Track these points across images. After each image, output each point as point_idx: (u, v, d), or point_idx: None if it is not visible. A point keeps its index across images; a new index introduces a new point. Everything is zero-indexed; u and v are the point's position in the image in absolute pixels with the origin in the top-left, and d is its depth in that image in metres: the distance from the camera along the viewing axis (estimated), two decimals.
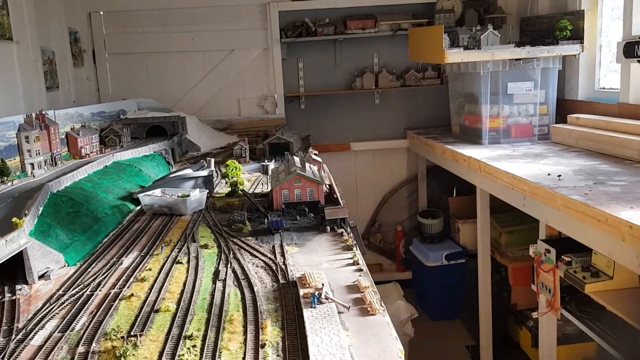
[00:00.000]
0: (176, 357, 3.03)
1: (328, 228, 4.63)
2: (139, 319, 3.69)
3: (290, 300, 3.59)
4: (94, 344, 3.47)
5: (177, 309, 3.63)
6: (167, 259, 4.56)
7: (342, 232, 4.52)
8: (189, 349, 3.10)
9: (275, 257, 4.32)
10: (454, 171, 7.69)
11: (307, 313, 3.07)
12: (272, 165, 7.01)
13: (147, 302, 3.91)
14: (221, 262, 4.40)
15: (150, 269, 4.50)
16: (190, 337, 3.23)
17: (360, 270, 3.74)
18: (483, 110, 7.48)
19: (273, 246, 4.55)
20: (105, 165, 8.10)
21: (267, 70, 9.90)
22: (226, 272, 4.11)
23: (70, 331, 3.81)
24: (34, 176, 6.73)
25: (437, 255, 8.84)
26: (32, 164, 6.81)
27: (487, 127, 7.50)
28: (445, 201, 9.53)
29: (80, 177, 6.70)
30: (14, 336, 3.54)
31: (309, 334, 2.82)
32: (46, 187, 6.26)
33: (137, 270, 4.47)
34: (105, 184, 7.38)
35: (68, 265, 5.18)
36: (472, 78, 7.62)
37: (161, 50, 9.85)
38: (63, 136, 8.14)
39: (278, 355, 2.81)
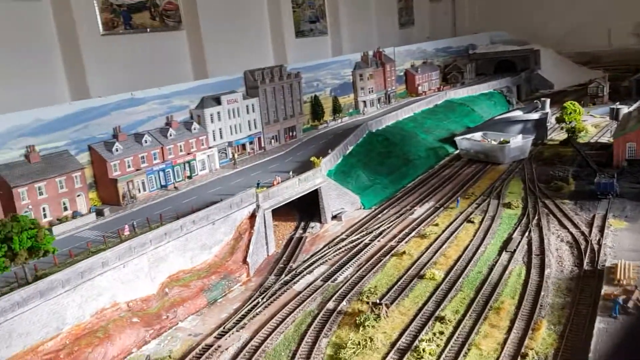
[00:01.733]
0: (416, 342, 1.97)
1: None
2: (398, 283, 2.83)
3: (588, 298, 2.06)
4: (344, 302, 2.75)
5: (443, 279, 2.60)
6: (459, 215, 3.42)
7: None
8: (435, 334, 2.06)
9: (590, 232, 2.64)
10: None
11: (600, 324, 1.60)
12: (625, 110, 4.68)
13: (416, 264, 3.00)
14: (519, 227, 2.98)
15: (437, 224, 3.59)
16: (442, 320, 2.20)
17: None
18: None
19: (593, 216, 2.95)
20: (436, 104, 7.24)
21: None
22: (519, 242, 2.81)
23: (332, 282, 3.23)
24: (363, 114, 6.35)
25: None
26: (364, 102, 6.45)
27: None
28: None
29: (405, 117, 5.95)
30: (283, 276, 3.12)
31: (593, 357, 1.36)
32: (364, 126, 5.81)
33: (422, 224, 3.57)
34: (428, 124, 6.60)
35: (363, 208, 4.60)
36: None
37: None
38: (401, 73, 7.42)
39: None
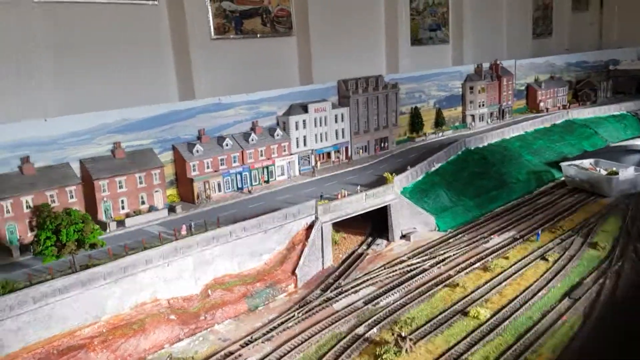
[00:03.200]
0: None
1: None
2: (438, 317, 3.32)
3: None
4: (374, 330, 3.40)
5: (487, 320, 3.03)
6: (535, 250, 3.73)
7: None
8: None
9: None
10: None
11: None
12: None
13: (466, 299, 3.43)
14: (596, 272, 3.23)
15: (507, 258, 3.93)
16: None
17: None
18: None
19: None
20: (554, 124, 7.19)
21: None
22: (589, 288, 3.04)
23: (373, 305, 3.82)
24: (470, 128, 6.66)
25: None
26: (472, 116, 6.81)
27: None
28: None
29: (512, 135, 5.90)
30: (328, 292, 3.43)
31: None
32: (460, 142, 6.07)
33: (491, 256, 3.93)
34: (538, 145, 6.65)
35: (438, 230, 5.04)
36: None
37: None
38: (522, 87, 7.56)
39: None
